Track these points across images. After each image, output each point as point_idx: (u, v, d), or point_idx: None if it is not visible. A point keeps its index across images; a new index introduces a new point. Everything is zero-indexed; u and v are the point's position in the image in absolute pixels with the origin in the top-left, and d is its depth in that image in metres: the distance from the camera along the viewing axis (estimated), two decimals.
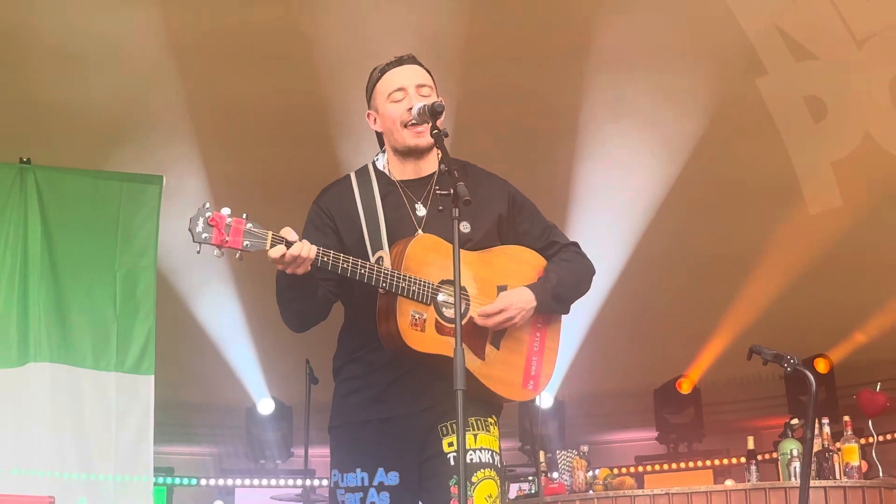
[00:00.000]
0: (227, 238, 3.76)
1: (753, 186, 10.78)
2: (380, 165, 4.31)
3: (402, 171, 4.27)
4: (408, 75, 4.24)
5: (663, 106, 10.30)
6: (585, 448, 8.22)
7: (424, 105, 4.11)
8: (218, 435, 13.02)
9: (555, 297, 4.24)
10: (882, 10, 9.47)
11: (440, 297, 4.01)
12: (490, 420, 4.19)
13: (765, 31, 9.84)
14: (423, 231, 4.13)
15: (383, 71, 4.27)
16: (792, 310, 11.33)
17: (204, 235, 3.75)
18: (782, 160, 10.52)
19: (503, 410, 4.34)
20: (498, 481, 4.16)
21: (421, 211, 4.19)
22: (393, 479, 4.11)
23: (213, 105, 10.07)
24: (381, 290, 3.98)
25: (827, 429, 7.41)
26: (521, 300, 4.14)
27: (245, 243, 3.79)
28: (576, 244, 4.44)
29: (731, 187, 10.87)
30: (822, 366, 11.84)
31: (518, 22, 9.75)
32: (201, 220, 3.75)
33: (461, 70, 9.21)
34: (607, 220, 10.75)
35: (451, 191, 3.83)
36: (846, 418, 7.65)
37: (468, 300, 4.08)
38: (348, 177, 4.30)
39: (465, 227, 4.15)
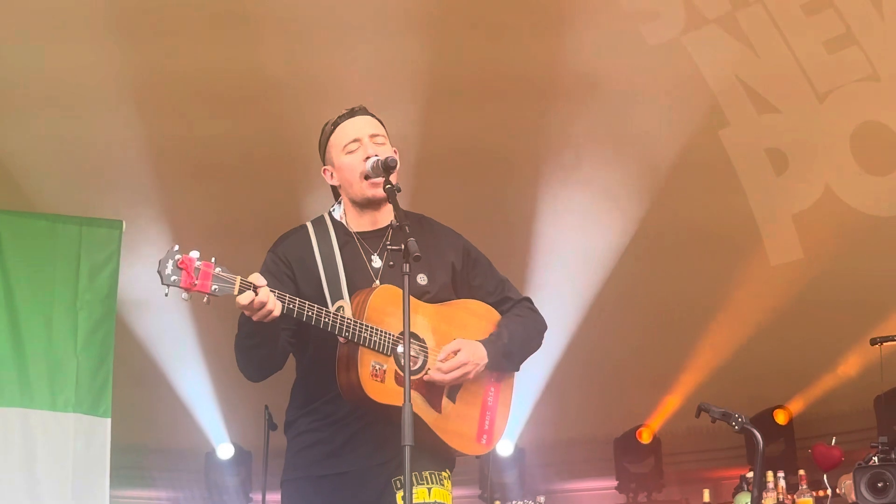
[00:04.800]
0: (195, 282, 3.73)
1: (713, 237, 10.82)
2: (336, 216, 4.31)
3: (359, 223, 4.26)
4: (361, 126, 4.26)
5: (625, 153, 10.36)
6: (542, 499, 8.22)
7: (378, 160, 4.10)
8: (176, 479, 12.91)
9: (505, 355, 4.24)
10: (843, 64, 9.60)
11: (399, 349, 3.97)
12: (444, 474, 4.17)
13: (728, 83, 9.92)
14: (380, 282, 4.11)
15: (336, 124, 4.28)
16: (752, 361, 11.34)
17: (173, 278, 3.71)
18: (742, 211, 10.57)
19: (461, 459, 4.34)
20: None
21: (377, 262, 4.18)
22: None
23: (175, 149, 10.08)
24: (342, 340, 3.95)
25: (783, 482, 7.42)
26: (475, 356, 4.13)
27: (213, 287, 3.76)
28: (528, 300, 4.45)
29: (691, 238, 10.90)
30: (781, 417, 11.84)
31: (479, 72, 9.80)
32: (170, 262, 3.72)
33: (422, 122, 9.22)
34: (568, 268, 10.77)
35: (402, 246, 3.83)
36: (801, 472, 7.66)
37: (426, 353, 4.07)
38: (304, 226, 4.29)
39: (421, 279, 4.17)
